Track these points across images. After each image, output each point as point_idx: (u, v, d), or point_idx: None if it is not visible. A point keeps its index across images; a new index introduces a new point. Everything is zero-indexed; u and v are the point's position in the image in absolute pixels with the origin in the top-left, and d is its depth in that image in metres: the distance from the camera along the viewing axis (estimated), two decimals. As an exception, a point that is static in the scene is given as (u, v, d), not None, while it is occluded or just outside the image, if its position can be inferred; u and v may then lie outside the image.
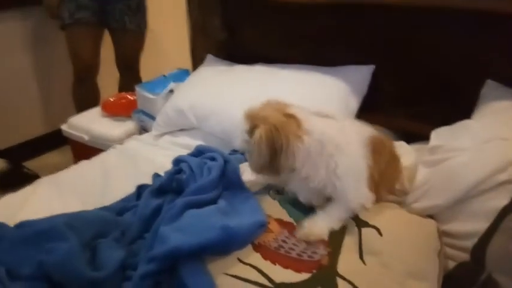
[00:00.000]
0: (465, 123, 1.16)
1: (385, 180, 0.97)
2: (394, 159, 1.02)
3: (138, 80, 2.26)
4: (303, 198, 0.94)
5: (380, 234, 0.90)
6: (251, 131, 0.85)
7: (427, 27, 1.37)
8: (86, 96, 2.22)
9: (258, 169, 0.89)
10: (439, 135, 1.15)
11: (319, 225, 0.87)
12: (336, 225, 0.88)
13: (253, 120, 0.86)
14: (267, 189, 1.05)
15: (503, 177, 0.94)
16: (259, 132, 0.83)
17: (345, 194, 0.87)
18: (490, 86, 1.27)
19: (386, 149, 0.97)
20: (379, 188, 0.94)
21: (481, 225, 0.90)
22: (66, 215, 0.97)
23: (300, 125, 0.83)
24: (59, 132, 1.97)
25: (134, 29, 2.15)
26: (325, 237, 0.86)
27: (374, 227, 0.91)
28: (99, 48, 2.19)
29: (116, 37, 2.21)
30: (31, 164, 2.36)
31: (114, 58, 2.29)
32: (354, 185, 0.87)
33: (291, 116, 0.84)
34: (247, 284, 0.75)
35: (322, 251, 0.84)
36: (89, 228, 0.93)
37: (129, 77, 2.27)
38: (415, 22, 1.38)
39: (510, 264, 0.79)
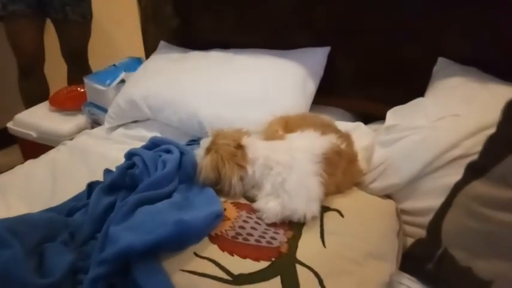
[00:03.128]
0: (419, 101, 1.17)
1: (344, 185, 0.97)
2: (353, 161, 1.01)
3: (87, 71, 2.14)
4: None
5: (341, 215, 0.90)
6: (206, 152, 0.94)
7: (379, 6, 1.36)
8: (33, 90, 2.09)
9: (204, 183, 0.95)
10: (394, 115, 1.16)
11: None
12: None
13: (211, 144, 0.95)
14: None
15: (456, 152, 0.96)
16: (208, 158, 0.92)
17: (295, 208, 0.85)
18: (442, 64, 1.29)
19: (343, 157, 0.96)
20: (339, 191, 0.96)
21: (436, 202, 0.92)
22: (9, 219, 0.90)
23: (246, 155, 0.92)
24: (5, 130, 1.84)
25: (78, 19, 2.01)
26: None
27: (335, 210, 0.90)
28: (42, 39, 2.05)
29: (59, 28, 2.07)
30: (-22, 166, 2.21)
31: (60, 49, 2.17)
32: (304, 201, 0.85)
33: (240, 147, 0.93)
34: (205, 279, 0.73)
35: (281, 237, 0.82)
36: (34, 232, 0.87)
37: (78, 68, 2.15)
38: (367, 2, 1.38)
39: (464, 238, 0.80)
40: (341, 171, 0.94)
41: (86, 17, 2.06)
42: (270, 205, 0.86)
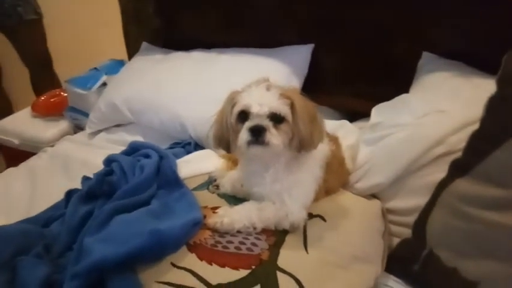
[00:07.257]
0: (403, 97, 1.15)
1: (333, 189, 0.95)
2: (341, 164, 0.99)
3: (52, 73, 2.06)
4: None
5: (324, 220, 0.87)
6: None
7: (362, 1, 1.34)
8: None
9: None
10: (379, 112, 1.13)
11: (231, 217, 0.81)
12: (252, 224, 0.81)
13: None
14: (206, 184, 0.99)
15: (440, 150, 0.94)
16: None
17: (285, 211, 0.82)
18: (426, 58, 1.27)
19: (336, 160, 0.93)
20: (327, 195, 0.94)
21: (422, 200, 0.90)
22: (-19, 232, 0.88)
23: None
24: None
25: (33, 17, 1.91)
26: (233, 230, 0.80)
27: (318, 215, 0.88)
28: None
29: (13, 34, 1.96)
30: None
31: (19, 57, 2.03)
32: (298, 206, 0.83)
33: None
34: (182, 291, 0.70)
35: (263, 244, 0.79)
36: (7, 245, 0.84)
37: (43, 72, 2.05)
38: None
39: (449, 238, 0.78)
40: (333, 176, 0.92)
41: (38, 12, 1.95)
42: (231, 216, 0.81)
